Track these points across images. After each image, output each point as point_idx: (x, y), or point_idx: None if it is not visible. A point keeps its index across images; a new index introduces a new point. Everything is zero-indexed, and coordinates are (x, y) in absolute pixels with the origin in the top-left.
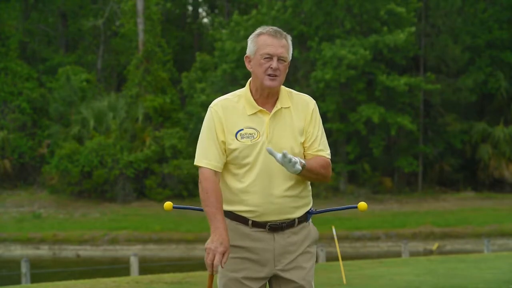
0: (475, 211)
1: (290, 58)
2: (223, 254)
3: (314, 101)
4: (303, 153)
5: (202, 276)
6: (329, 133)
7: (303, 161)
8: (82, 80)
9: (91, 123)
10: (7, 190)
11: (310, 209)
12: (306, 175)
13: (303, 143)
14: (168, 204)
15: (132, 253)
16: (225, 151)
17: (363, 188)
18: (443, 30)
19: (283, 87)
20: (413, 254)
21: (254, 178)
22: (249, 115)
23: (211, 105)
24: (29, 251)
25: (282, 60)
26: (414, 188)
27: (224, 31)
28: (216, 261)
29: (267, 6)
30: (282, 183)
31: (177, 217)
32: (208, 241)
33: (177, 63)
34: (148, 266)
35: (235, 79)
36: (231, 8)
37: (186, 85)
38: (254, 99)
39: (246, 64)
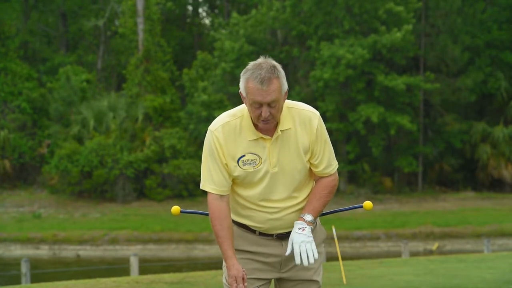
0: (475, 211)
1: (286, 89)
2: (242, 278)
3: (318, 114)
4: (311, 169)
5: (202, 276)
6: (329, 133)
7: (310, 218)
8: (82, 80)
9: (91, 123)
10: (7, 190)
11: None
12: (320, 213)
13: (309, 160)
14: (175, 209)
15: (132, 253)
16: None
17: (363, 188)
18: (442, 30)
19: (284, 104)
20: (413, 254)
21: (258, 198)
22: (249, 140)
23: (211, 128)
24: (29, 251)
25: (273, 104)
26: (414, 188)
27: (223, 31)
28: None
29: (266, 6)
30: (287, 203)
31: (177, 217)
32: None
33: (177, 63)
34: (148, 266)
35: (235, 78)
36: (231, 8)
37: (187, 82)
38: (254, 124)
39: (242, 98)
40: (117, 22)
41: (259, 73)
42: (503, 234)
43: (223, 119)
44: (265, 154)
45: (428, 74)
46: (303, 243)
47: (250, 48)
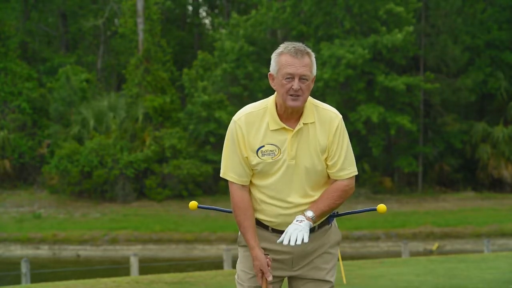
0: (475, 211)
1: (314, 74)
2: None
3: (340, 116)
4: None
5: (202, 276)
6: None
7: (310, 214)
8: (82, 80)
9: (91, 123)
10: (7, 190)
11: (332, 212)
12: (323, 217)
13: (325, 160)
14: (193, 204)
15: (132, 253)
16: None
17: (363, 188)
18: (443, 30)
19: (309, 100)
20: (413, 254)
21: (272, 191)
22: (271, 130)
23: (235, 118)
24: (29, 251)
25: (304, 79)
26: (414, 188)
27: (223, 31)
28: (266, 276)
29: (266, 6)
30: (301, 198)
31: (177, 217)
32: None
33: (177, 63)
34: (148, 266)
35: (236, 78)
36: (231, 8)
37: (187, 82)
38: (278, 114)
39: (270, 81)
40: (116, 22)
41: (292, 46)
42: (503, 234)
43: (246, 109)
44: (284, 145)
45: (428, 74)
46: (296, 231)
47: (250, 48)
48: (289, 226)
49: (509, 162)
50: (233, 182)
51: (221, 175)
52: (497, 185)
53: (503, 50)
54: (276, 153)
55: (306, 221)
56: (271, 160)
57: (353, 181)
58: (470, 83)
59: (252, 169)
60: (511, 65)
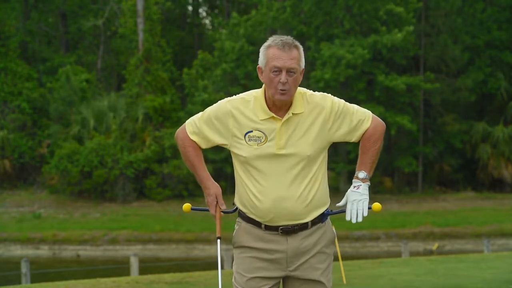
0: (475, 211)
1: (303, 67)
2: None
3: (329, 96)
4: (323, 160)
5: (202, 276)
6: None
7: (363, 174)
8: (82, 80)
9: (91, 123)
10: (7, 190)
11: (326, 209)
12: (375, 165)
13: (350, 139)
14: (186, 206)
15: (132, 253)
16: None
17: None
18: (443, 30)
19: (297, 90)
20: (413, 254)
21: (262, 184)
22: (261, 119)
23: (228, 98)
24: (29, 251)
25: (291, 72)
26: (414, 188)
27: (223, 31)
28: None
29: (266, 6)
30: (291, 190)
31: (177, 217)
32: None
33: (177, 63)
34: (148, 266)
35: (236, 78)
36: (231, 8)
37: (187, 82)
38: (268, 106)
39: (259, 75)
40: (116, 22)
41: (280, 40)
42: (503, 234)
43: (239, 95)
44: (272, 134)
45: (428, 74)
46: (355, 202)
47: (250, 48)
48: (348, 194)
49: (509, 162)
50: (187, 132)
51: (186, 123)
52: (497, 185)
53: (503, 50)
54: (262, 140)
55: (363, 184)
56: (256, 147)
57: (374, 119)
58: (470, 83)
59: (239, 158)
60: (511, 65)
